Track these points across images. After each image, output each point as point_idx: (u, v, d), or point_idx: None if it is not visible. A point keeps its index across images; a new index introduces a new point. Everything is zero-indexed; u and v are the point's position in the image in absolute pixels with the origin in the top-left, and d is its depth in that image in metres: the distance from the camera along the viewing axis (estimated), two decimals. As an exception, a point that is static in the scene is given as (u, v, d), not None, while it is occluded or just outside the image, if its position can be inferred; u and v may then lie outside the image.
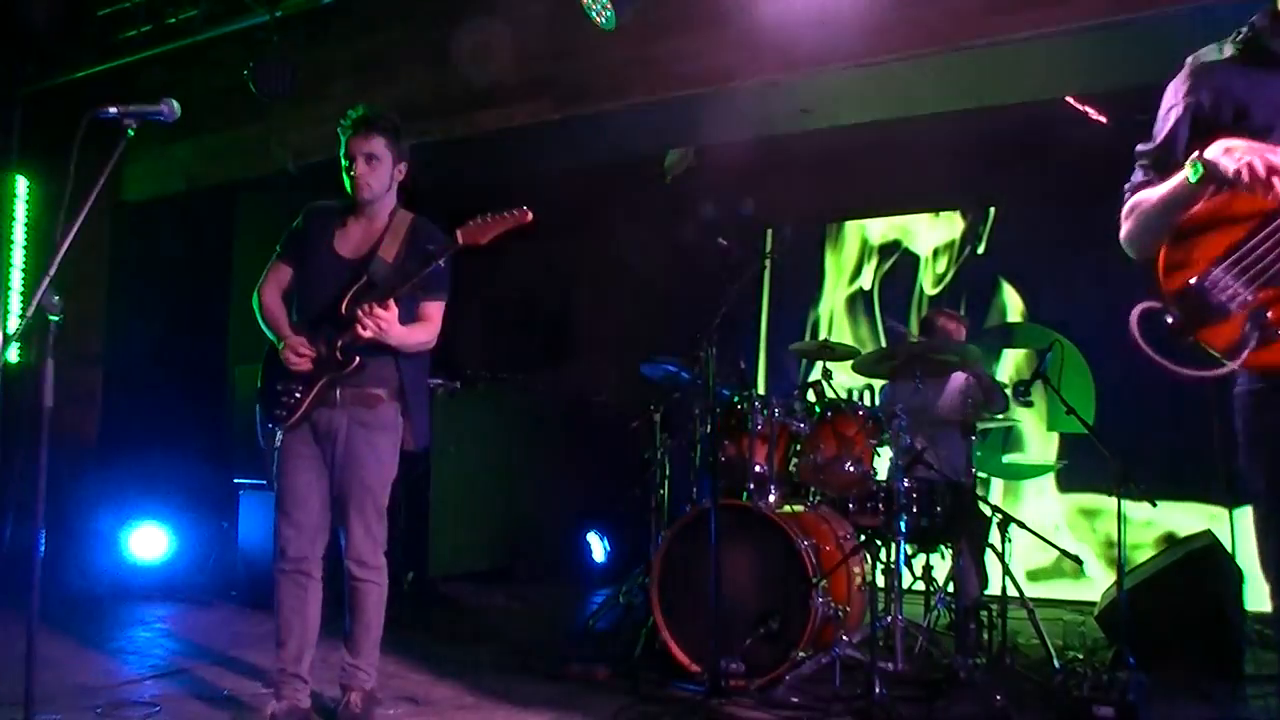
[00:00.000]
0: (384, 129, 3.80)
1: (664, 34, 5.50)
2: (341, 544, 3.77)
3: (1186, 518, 6.66)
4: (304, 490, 3.76)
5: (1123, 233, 2.45)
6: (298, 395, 3.74)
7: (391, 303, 3.60)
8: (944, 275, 8.00)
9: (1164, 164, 2.38)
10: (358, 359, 3.68)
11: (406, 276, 3.68)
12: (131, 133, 2.96)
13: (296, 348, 3.72)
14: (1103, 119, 6.34)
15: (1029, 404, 5.58)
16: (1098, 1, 4.56)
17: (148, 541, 6.92)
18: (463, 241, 3.67)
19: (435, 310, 3.85)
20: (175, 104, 2.99)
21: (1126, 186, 2.47)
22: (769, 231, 8.48)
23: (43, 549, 2.88)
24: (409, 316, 3.76)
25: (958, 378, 5.72)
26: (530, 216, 3.71)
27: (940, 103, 5.78)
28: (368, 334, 3.58)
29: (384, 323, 3.58)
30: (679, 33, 5.49)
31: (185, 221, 7.61)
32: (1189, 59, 2.40)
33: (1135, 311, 2.20)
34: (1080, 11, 4.58)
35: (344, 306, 3.69)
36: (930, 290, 8.03)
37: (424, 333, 3.82)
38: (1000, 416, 5.75)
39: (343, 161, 3.82)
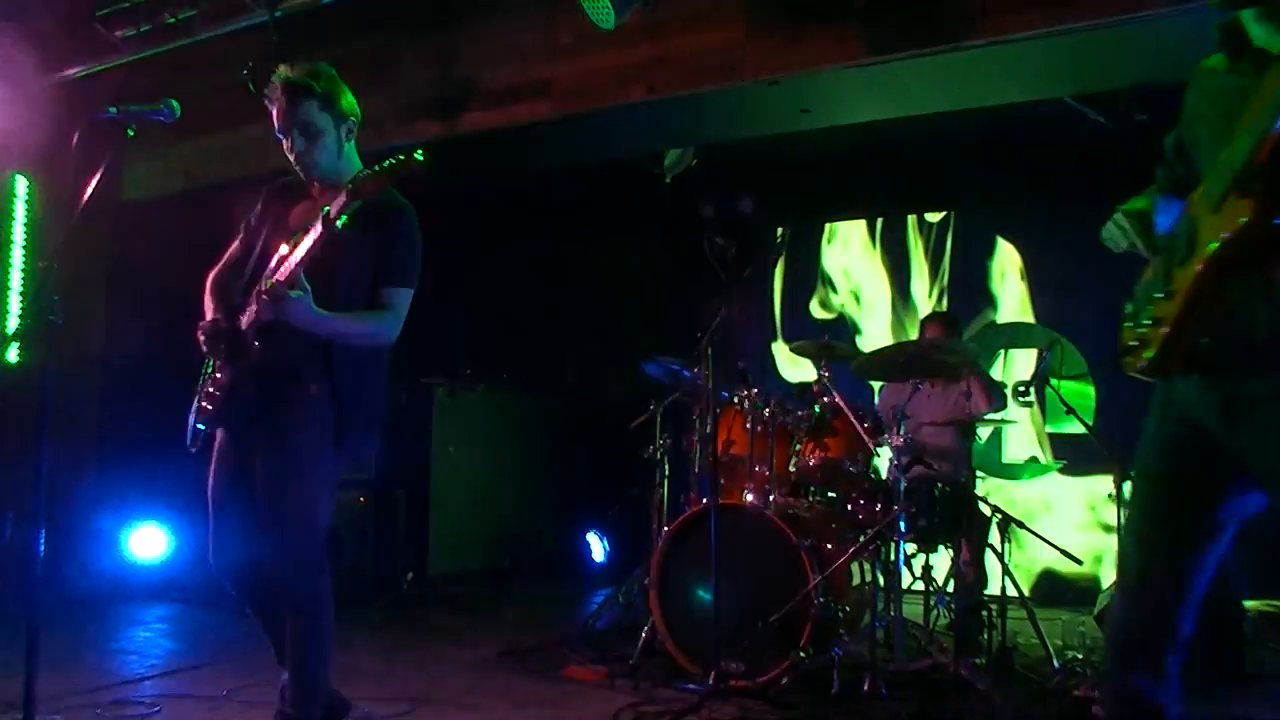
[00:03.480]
0: (317, 91, 3.22)
1: (663, 33, 5.50)
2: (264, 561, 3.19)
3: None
4: (228, 500, 3.26)
5: None
6: (216, 391, 3.26)
7: (300, 279, 3.02)
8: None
9: None
10: (256, 343, 3.17)
11: (318, 249, 3.05)
12: (131, 133, 2.97)
13: (203, 327, 3.25)
14: (1101, 119, 6.34)
15: (1029, 404, 5.59)
16: (1097, 3, 4.56)
17: (148, 541, 6.92)
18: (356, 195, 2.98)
19: (396, 298, 3.26)
20: (175, 105, 2.99)
21: None
22: (779, 230, 8.50)
23: (43, 549, 2.88)
24: (360, 304, 3.23)
25: (956, 377, 5.72)
26: (420, 160, 2.98)
27: (940, 102, 5.77)
28: (265, 314, 3.07)
29: (283, 302, 3.00)
30: (678, 32, 5.50)
31: (186, 221, 7.60)
32: None
33: None
34: (1080, 12, 4.59)
35: (263, 284, 3.15)
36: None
37: (368, 323, 3.23)
38: (999, 416, 5.75)
39: (277, 134, 3.28)
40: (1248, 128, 2.08)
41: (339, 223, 2.95)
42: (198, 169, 7.18)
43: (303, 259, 3.02)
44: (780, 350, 8.52)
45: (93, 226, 7.18)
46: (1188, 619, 2.39)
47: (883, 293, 8.19)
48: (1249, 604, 5.31)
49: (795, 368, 8.23)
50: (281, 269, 3.07)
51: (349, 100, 3.33)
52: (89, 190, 2.91)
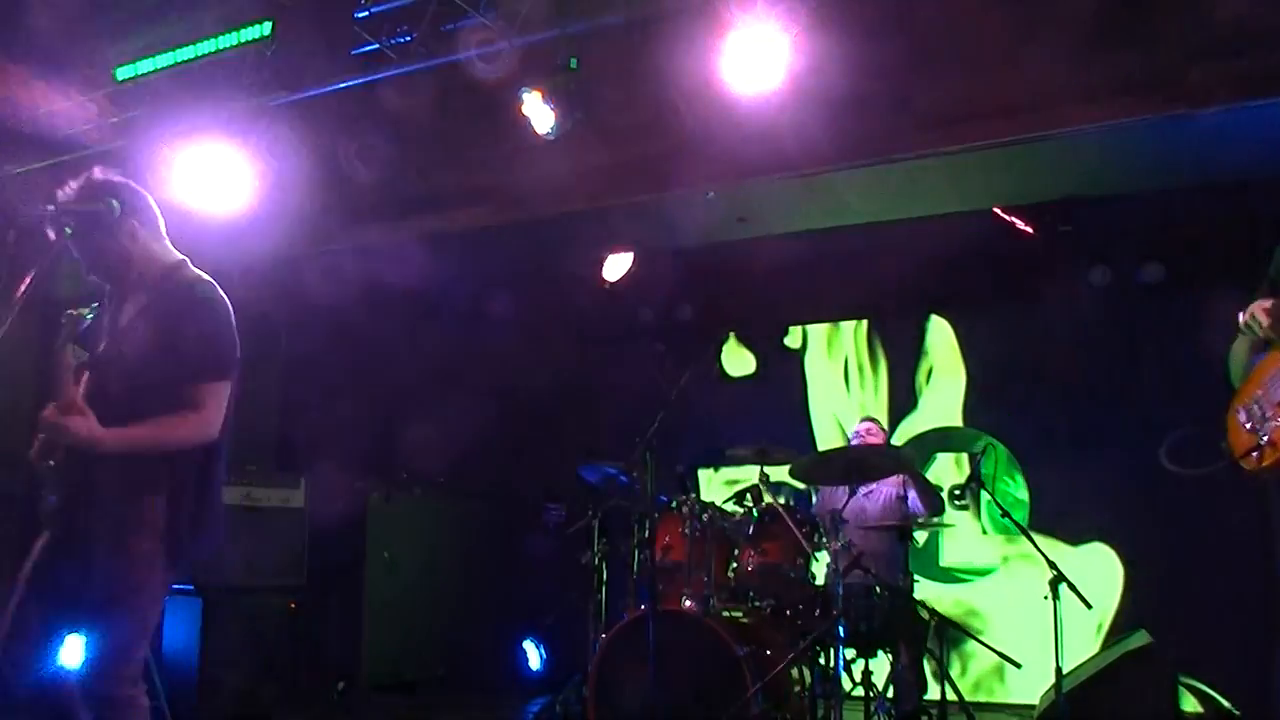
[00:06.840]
0: (72, 202, 3.00)
1: (605, 143, 5.61)
2: None
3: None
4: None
5: None
6: (52, 501, 3.04)
7: (76, 402, 2.80)
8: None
9: None
10: (55, 465, 2.93)
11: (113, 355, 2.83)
12: (69, 231, 2.93)
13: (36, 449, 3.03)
14: (1029, 229, 6.53)
15: (965, 508, 5.63)
16: (1021, 121, 4.74)
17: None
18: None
19: (202, 395, 2.91)
20: (115, 203, 2.97)
21: None
22: (726, 335, 8.59)
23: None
24: (165, 407, 2.88)
25: (892, 481, 5.76)
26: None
27: (873, 212, 5.93)
28: (58, 440, 2.84)
29: (59, 430, 2.78)
30: (620, 142, 5.60)
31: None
32: None
33: None
34: (1006, 128, 4.77)
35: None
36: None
37: (172, 430, 2.87)
38: (936, 520, 5.79)
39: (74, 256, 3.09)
40: None
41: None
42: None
43: (91, 376, 2.84)
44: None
45: (25, 324, 7.05)
46: None
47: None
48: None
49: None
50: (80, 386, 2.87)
51: (124, 203, 3.05)
52: (24, 287, 2.87)
